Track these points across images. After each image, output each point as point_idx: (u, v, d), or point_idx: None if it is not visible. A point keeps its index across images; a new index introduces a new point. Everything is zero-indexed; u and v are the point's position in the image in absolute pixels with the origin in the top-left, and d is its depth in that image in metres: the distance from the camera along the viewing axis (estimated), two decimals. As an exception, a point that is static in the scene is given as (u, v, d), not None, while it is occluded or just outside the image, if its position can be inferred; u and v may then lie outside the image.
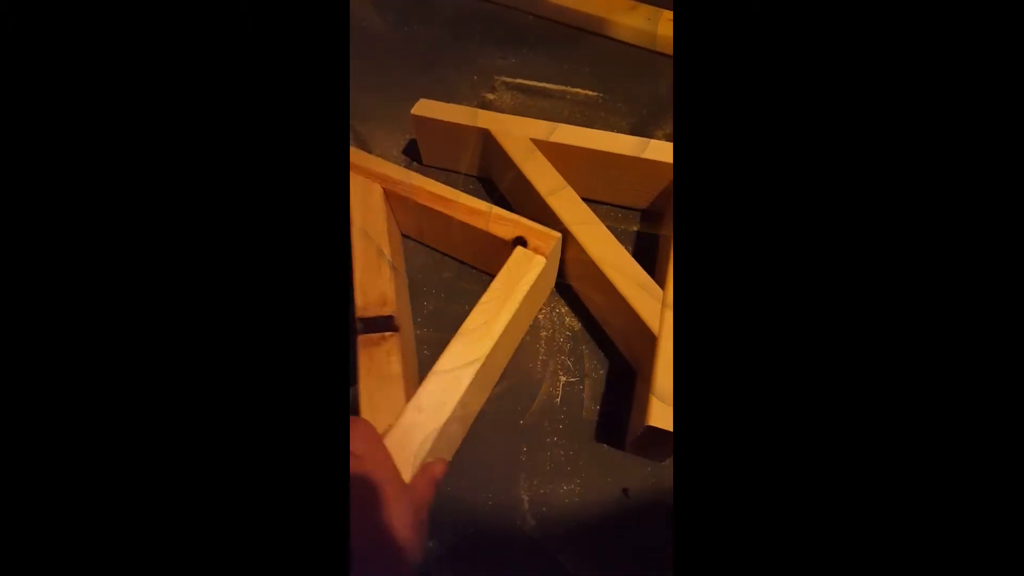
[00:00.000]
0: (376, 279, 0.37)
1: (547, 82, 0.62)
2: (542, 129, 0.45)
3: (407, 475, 0.29)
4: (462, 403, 0.32)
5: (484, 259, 0.43)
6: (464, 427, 0.35)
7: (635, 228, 0.47)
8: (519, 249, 0.38)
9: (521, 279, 0.36)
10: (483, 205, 0.40)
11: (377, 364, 0.33)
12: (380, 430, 0.30)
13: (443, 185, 0.42)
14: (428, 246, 0.47)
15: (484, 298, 0.36)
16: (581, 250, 0.37)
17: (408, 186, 0.42)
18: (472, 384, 0.32)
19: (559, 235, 0.39)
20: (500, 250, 0.39)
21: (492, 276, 0.36)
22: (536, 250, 0.38)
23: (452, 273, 0.45)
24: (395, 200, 0.43)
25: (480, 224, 0.39)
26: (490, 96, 0.61)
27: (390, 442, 0.30)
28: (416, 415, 0.31)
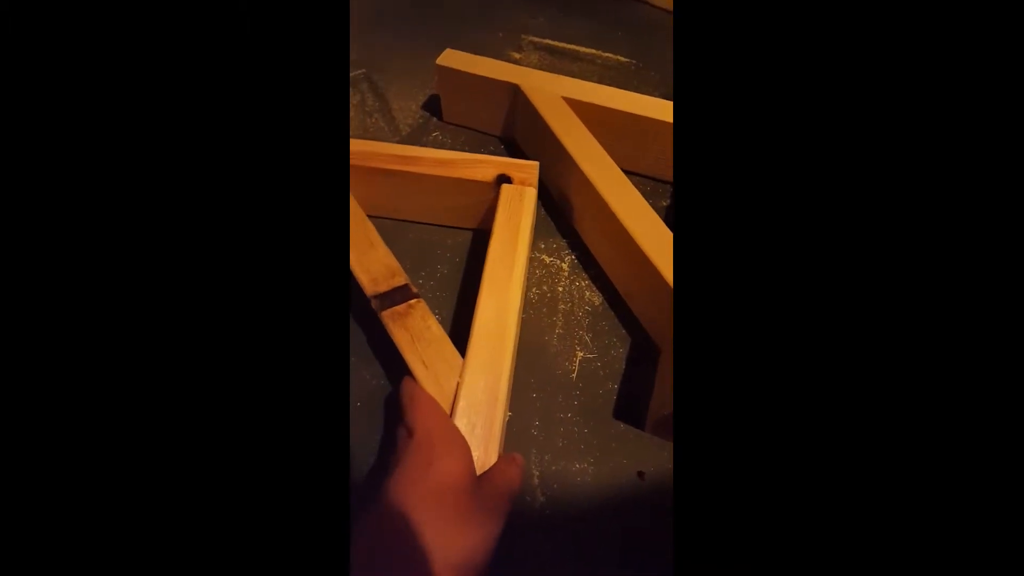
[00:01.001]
0: (373, 253, 0.34)
1: (577, 44, 0.59)
2: (576, 88, 0.42)
3: (493, 441, 0.28)
4: (513, 354, 0.31)
5: (462, 211, 0.40)
6: (510, 381, 0.34)
7: (665, 203, 0.45)
8: (507, 186, 0.37)
9: (521, 213, 0.36)
10: (450, 154, 0.38)
11: (418, 332, 0.31)
12: (448, 392, 0.29)
13: (401, 145, 0.39)
14: (389, 218, 0.42)
15: (493, 244, 0.34)
16: (613, 217, 0.35)
17: (366, 154, 0.38)
18: (516, 332, 0.32)
19: (537, 163, 0.38)
20: (482, 194, 0.38)
21: (467, 229, 0.35)
22: (523, 183, 0.37)
23: (417, 235, 0.42)
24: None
25: (454, 173, 0.37)
26: (516, 55, 0.58)
27: (461, 405, 0.29)
28: (479, 369, 0.30)
